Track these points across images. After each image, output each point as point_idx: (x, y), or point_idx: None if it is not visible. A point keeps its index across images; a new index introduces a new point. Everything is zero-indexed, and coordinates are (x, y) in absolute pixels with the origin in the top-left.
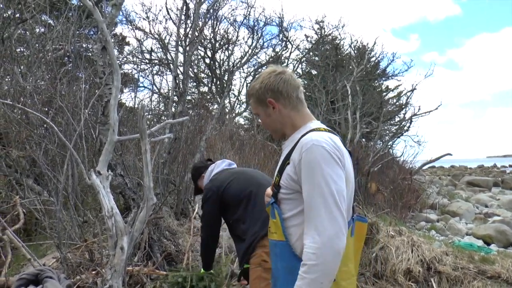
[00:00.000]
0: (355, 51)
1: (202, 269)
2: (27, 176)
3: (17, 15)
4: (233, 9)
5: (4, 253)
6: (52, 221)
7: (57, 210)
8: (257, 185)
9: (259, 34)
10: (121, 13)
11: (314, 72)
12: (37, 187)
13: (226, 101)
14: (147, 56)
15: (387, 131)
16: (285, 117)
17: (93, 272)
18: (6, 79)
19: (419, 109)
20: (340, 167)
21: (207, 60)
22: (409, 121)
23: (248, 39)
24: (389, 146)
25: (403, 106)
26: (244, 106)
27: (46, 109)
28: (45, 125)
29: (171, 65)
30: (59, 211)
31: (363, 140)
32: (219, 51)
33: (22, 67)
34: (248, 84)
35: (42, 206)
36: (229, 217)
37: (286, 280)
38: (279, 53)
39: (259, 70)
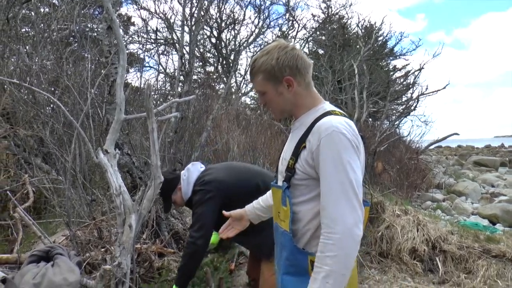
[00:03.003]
0: (363, 30)
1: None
2: (35, 155)
3: None
4: None
5: (15, 230)
6: (61, 199)
7: (65, 188)
8: (260, 175)
9: (266, 13)
10: None
11: (320, 51)
12: (45, 166)
13: (232, 80)
14: (153, 36)
15: (394, 111)
16: (298, 96)
17: (102, 250)
18: (12, 59)
19: (426, 88)
20: (357, 155)
21: (213, 40)
22: (416, 100)
23: (254, 18)
24: (396, 126)
25: (411, 86)
26: (250, 85)
27: (53, 89)
28: (52, 105)
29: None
30: (68, 189)
31: (370, 119)
32: (225, 31)
33: (27, 47)
34: None
35: (51, 184)
36: None
37: (287, 270)
38: (286, 32)
39: None
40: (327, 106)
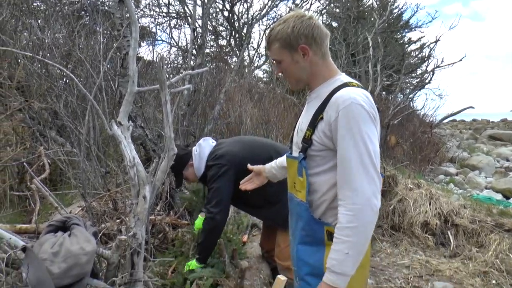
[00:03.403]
0: (377, 2)
1: (195, 264)
2: (49, 128)
3: None
4: None
5: (32, 201)
6: (76, 171)
7: (80, 161)
8: (272, 148)
9: None
10: None
11: (334, 24)
12: (60, 139)
13: (245, 54)
14: (164, 9)
15: (408, 84)
16: (314, 66)
17: (117, 221)
18: (25, 33)
19: (442, 61)
20: (375, 126)
21: (226, 13)
22: (431, 73)
23: None
24: (410, 99)
25: (426, 59)
26: (263, 59)
27: (65, 62)
28: (65, 78)
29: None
30: (82, 161)
31: (383, 93)
32: (237, 4)
33: (39, 21)
34: None
35: (66, 157)
36: None
37: (302, 240)
38: (299, 5)
39: None
40: (344, 77)
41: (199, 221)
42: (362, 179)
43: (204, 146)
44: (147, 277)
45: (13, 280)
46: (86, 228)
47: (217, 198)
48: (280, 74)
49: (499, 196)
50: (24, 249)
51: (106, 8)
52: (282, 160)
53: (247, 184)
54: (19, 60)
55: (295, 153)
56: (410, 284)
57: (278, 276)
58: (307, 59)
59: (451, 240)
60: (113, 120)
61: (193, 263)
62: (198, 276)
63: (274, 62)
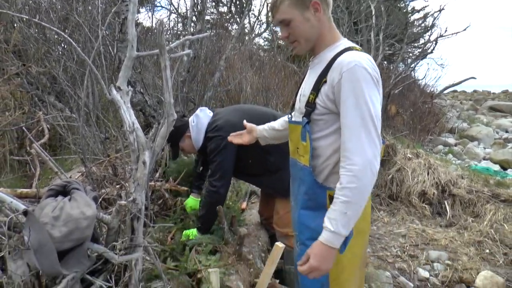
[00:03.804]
0: None
1: (195, 233)
2: (48, 93)
3: None
4: None
5: (32, 166)
6: (75, 137)
7: (79, 126)
8: (272, 117)
9: None
10: None
11: None
12: (59, 104)
13: (246, 21)
14: None
15: (410, 54)
16: (322, 25)
17: (117, 186)
18: None
19: (445, 30)
20: (378, 89)
21: None
22: (434, 43)
23: None
24: (412, 69)
25: (429, 28)
26: (264, 26)
27: (63, 27)
28: (63, 43)
29: None
30: (82, 127)
31: (385, 62)
32: None
33: None
34: (268, 4)
35: (65, 122)
36: (251, 156)
37: (305, 205)
38: None
39: None
40: (346, 42)
41: (191, 200)
42: (363, 141)
43: (202, 117)
44: (147, 243)
45: (15, 243)
46: (86, 192)
47: (220, 172)
48: (285, 38)
49: (496, 167)
50: (25, 212)
51: None
52: (274, 122)
53: (234, 138)
54: (15, 24)
55: (298, 118)
56: (405, 253)
57: (277, 243)
58: (318, 16)
59: (448, 210)
60: (112, 85)
61: (193, 232)
62: (197, 242)
63: (280, 24)
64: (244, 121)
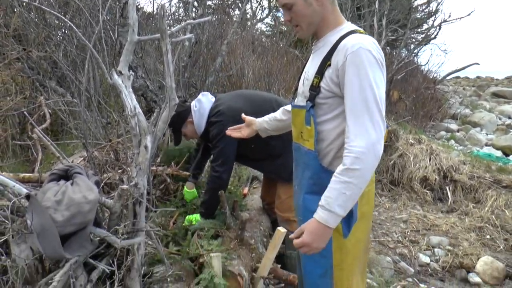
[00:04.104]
0: None
1: (198, 218)
2: (49, 78)
3: None
4: None
5: (34, 151)
6: (77, 122)
7: (81, 110)
8: (275, 102)
9: None
10: None
11: None
12: (60, 89)
13: (248, 6)
14: None
15: (413, 39)
16: (325, 9)
17: (119, 171)
18: None
19: (449, 15)
20: (382, 72)
21: None
22: (438, 28)
23: None
24: (415, 54)
25: (433, 13)
26: (266, 12)
27: (63, 12)
28: (63, 29)
29: None
30: (83, 111)
31: (388, 48)
32: None
33: None
34: None
35: (66, 107)
36: (253, 141)
37: (310, 190)
38: None
39: None
40: (350, 25)
41: (187, 191)
42: (368, 123)
43: (204, 102)
44: (149, 227)
45: (18, 227)
46: (88, 177)
47: (223, 158)
48: (288, 21)
49: (499, 153)
50: (28, 197)
51: None
52: (276, 113)
53: (233, 132)
54: (15, 9)
55: (301, 102)
56: (406, 238)
57: (278, 228)
58: (321, 1)
59: (449, 196)
60: (113, 69)
61: (196, 218)
62: (199, 227)
63: (283, 7)
64: (243, 115)
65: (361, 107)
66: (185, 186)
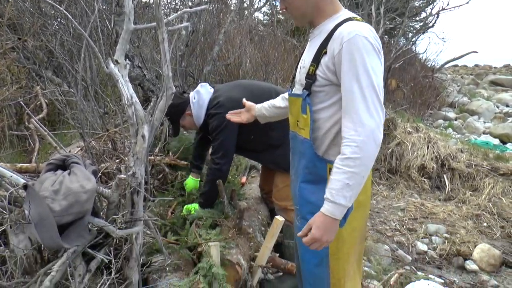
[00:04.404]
0: None
1: (197, 207)
2: (45, 68)
3: None
4: None
5: (31, 141)
6: (74, 112)
7: (78, 100)
8: (273, 91)
9: None
10: None
11: None
12: (57, 79)
13: None
14: None
15: (411, 28)
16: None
17: (117, 160)
18: None
19: (447, 4)
20: (379, 59)
21: None
22: (436, 16)
23: None
24: (413, 43)
25: (431, 1)
26: (263, 1)
27: (58, 1)
28: (59, 18)
29: None
30: (80, 100)
31: (386, 36)
32: None
33: None
34: None
35: (63, 97)
36: (253, 132)
37: (305, 178)
38: None
39: None
40: (347, 13)
41: (191, 181)
42: (366, 111)
43: (203, 93)
44: (147, 217)
45: (16, 217)
46: (86, 166)
47: (223, 150)
48: (284, 10)
49: (496, 141)
50: (25, 187)
51: None
52: (274, 100)
53: (233, 116)
54: None
55: (298, 91)
56: (404, 227)
57: (276, 217)
58: None
59: (447, 184)
60: (109, 58)
61: (195, 207)
62: (197, 216)
63: None
64: (244, 100)
65: (360, 95)
66: (190, 175)
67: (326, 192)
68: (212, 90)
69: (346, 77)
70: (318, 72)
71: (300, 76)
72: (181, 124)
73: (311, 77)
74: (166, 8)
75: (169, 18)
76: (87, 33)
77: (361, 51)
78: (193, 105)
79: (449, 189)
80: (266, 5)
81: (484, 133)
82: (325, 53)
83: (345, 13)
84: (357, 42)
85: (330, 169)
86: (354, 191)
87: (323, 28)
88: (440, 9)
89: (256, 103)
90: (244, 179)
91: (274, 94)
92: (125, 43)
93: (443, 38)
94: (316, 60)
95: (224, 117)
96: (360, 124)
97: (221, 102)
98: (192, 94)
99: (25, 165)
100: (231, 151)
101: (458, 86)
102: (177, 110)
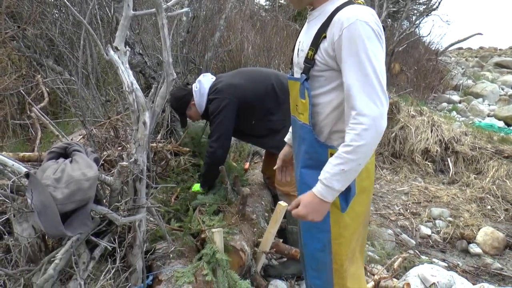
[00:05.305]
0: None
1: (197, 188)
2: (46, 56)
3: None
4: None
5: (33, 130)
6: (76, 100)
7: (79, 88)
8: (273, 75)
9: None
10: None
11: None
12: (58, 68)
13: None
14: None
15: (415, 10)
16: None
17: (119, 148)
18: None
19: None
20: (381, 44)
21: None
22: None
23: None
24: (416, 26)
25: None
26: None
27: None
28: (58, 6)
29: None
30: (81, 88)
31: (389, 20)
32: None
33: None
34: None
35: (64, 85)
36: (254, 117)
37: (306, 164)
38: None
39: None
40: None
41: (197, 185)
42: (369, 98)
43: (204, 82)
44: (150, 204)
45: (19, 206)
46: (87, 154)
47: (218, 133)
48: None
49: (501, 124)
50: (27, 175)
51: None
52: None
53: (285, 176)
54: None
55: (297, 74)
56: (408, 211)
57: (279, 202)
58: None
59: (451, 167)
60: (109, 45)
61: (197, 185)
62: (200, 202)
63: None
64: (276, 167)
65: (362, 82)
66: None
67: (321, 173)
68: (213, 78)
69: (347, 64)
70: (316, 57)
71: (299, 59)
72: (187, 115)
73: (309, 61)
74: None
75: (168, 3)
76: (86, 21)
77: (362, 37)
78: (195, 94)
79: (453, 173)
80: None
81: (488, 115)
82: (325, 37)
83: None
84: (358, 28)
85: (331, 154)
86: (348, 177)
87: (323, 10)
88: None
89: (257, 89)
90: (247, 164)
91: (274, 80)
92: (124, 29)
93: (447, 21)
94: (315, 45)
95: (221, 100)
96: (363, 113)
97: (219, 88)
98: (194, 84)
99: (27, 154)
100: (227, 135)
101: (462, 68)
102: (183, 102)
